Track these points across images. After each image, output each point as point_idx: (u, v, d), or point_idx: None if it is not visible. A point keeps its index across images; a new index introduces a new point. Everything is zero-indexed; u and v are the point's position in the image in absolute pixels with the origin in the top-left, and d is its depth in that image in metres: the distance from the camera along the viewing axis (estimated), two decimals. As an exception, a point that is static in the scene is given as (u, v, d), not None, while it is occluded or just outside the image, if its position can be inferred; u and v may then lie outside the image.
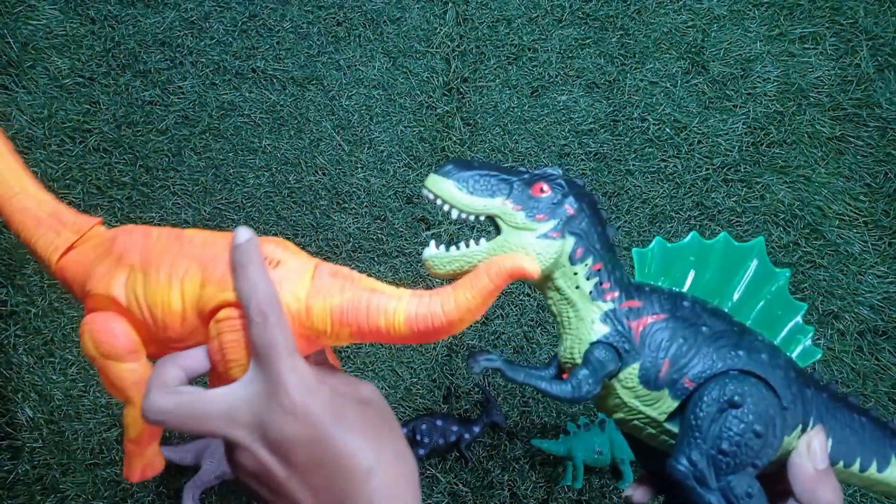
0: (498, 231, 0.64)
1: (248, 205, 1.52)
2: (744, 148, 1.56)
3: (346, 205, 1.53)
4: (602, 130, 1.57)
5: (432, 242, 0.66)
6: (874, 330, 1.46)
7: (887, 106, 1.56)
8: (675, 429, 0.63)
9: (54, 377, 1.43)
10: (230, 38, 1.59)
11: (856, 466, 0.65)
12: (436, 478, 1.44)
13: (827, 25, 1.61)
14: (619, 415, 0.66)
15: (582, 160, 1.56)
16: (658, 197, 1.54)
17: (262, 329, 0.54)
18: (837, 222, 1.52)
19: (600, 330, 0.64)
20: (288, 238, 1.51)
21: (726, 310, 0.67)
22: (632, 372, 0.63)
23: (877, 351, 1.45)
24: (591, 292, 0.65)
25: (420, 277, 1.51)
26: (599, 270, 0.65)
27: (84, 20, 1.58)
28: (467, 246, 0.64)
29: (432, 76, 1.59)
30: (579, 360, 0.64)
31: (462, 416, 1.46)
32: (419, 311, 0.60)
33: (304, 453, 0.52)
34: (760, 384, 0.61)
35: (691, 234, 0.68)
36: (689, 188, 1.54)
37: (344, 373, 0.62)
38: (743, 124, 1.56)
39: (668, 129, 1.56)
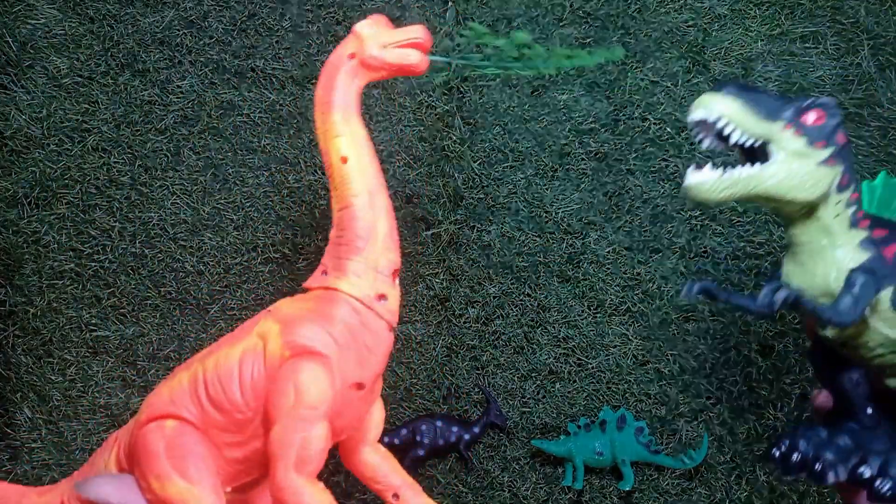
0: (750, 159, 0.66)
1: (248, 204, 1.52)
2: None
3: (346, 204, 1.52)
4: (603, 130, 1.57)
5: (697, 169, 0.66)
6: (876, 330, 1.46)
7: (889, 105, 1.56)
8: None
9: (53, 377, 1.43)
10: (229, 38, 1.58)
11: None
12: (436, 478, 1.44)
13: (828, 25, 1.60)
14: (861, 338, 0.68)
15: (583, 160, 1.55)
16: (659, 196, 1.53)
17: None
18: (839, 222, 1.51)
19: (860, 257, 0.66)
20: (287, 238, 1.51)
21: None
22: (884, 297, 0.65)
23: (878, 351, 1.45)
24: (849, 220, 0.67)
25: (420, 277, 1.50)
26: (857, 199, 0.67)
27: (83, 19, 1.58)
28: (737, 171, 0.65)
29: (432, 75, 1.58)
30: (834, 286, 0.66)
31: (462, 416, 1.45)
32: None
33: None
34: None
35: None
36: (690, 188, 1.54)
37: None
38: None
39: (669, 129, 1.56)
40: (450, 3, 1.61)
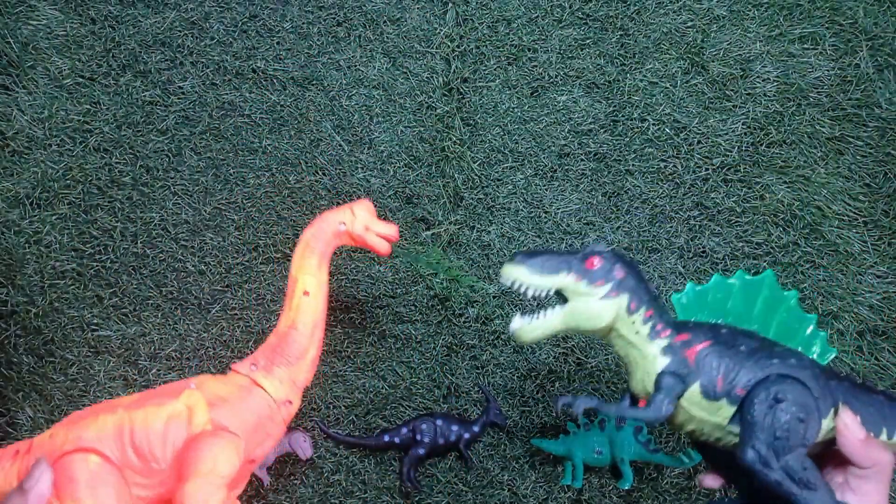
0: (564, 300, 0.82)
1: (249, 205, 1.52)
2: (743, 148, 1.56)
3: (346, 205, 1.53)
4: (602, 131, 1.57)
5: (517, 317, 0.83)
6: (873, 330, 1.46)
7: (887, 106, 1.56)
8: (735, 429, 0.78)
9: (54, 377, 1.43)
10: (230, 39, 1.59)
11: (883, 435, 0.78)
12: (436, 477, 1.44)
13: (826, 25, 1.61)
14: (690, 426, 0.81)
15: (581, 160, 1.56)
16: (658, 197, 1.54)
17: None
18: (837, 222, 1.52)
19: (663, 362, 0.80)
20: (288, 238, 1.51)
21: (753, 329, 0.83)
22: (694, 390, 0.78)
23: (876, 351, 1.45)
24: (648, 334, 0.81)
25: (420, 277, 1.51)
26: (652, 315, 0.81)
27: (84, 20, 1.58)
28: (545, 315, 0.82)
29: (432, 76, 1.59)
30: (651, 389, 0.80)
31: (462, 415, 1.46)
32: None
33: None
34: (795, 382, 0.76)
35: (714, 276, 0.85)
36: (689, 188, 1.54)
37: None
38: (742, 124, 1.57)
39: (667, 130, 1.57)
40: (450, 4, 1.62)
